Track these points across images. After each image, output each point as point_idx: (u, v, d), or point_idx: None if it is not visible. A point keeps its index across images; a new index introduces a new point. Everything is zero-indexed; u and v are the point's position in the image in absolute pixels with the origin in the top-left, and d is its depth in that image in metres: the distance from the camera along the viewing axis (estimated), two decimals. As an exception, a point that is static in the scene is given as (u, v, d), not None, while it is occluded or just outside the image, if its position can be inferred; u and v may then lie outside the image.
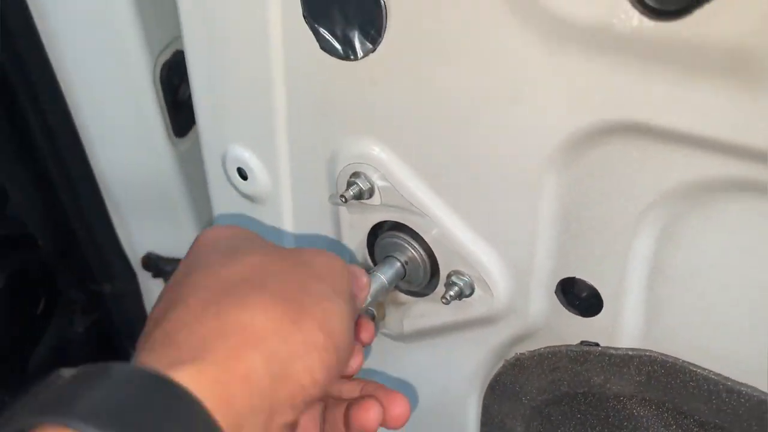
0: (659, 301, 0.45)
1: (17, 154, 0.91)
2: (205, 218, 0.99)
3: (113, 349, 1.10)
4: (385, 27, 0.44)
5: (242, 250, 0.40)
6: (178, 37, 0.85)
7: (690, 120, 0.36)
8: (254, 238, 0.44)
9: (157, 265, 1.02)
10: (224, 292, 0.36)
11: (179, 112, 0.89)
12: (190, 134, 0.92)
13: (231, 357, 0.33)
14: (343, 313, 0.39)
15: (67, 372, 0.30)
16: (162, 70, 0.84)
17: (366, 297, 0.48)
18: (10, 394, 1.24)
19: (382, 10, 0.44)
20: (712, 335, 0.44)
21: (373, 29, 0.45)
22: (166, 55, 0.84)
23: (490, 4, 0.38)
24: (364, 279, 0.47)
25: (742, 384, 0.44)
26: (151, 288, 1.04)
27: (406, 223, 0.52)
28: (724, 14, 0.30)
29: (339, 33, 0.47)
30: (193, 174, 0.94)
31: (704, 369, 0.45)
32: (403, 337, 0.60)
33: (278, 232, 0.62)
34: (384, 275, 0.52)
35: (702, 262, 0.42)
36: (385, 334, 0.61)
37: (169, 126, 0.88)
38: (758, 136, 0.34)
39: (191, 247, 0.43)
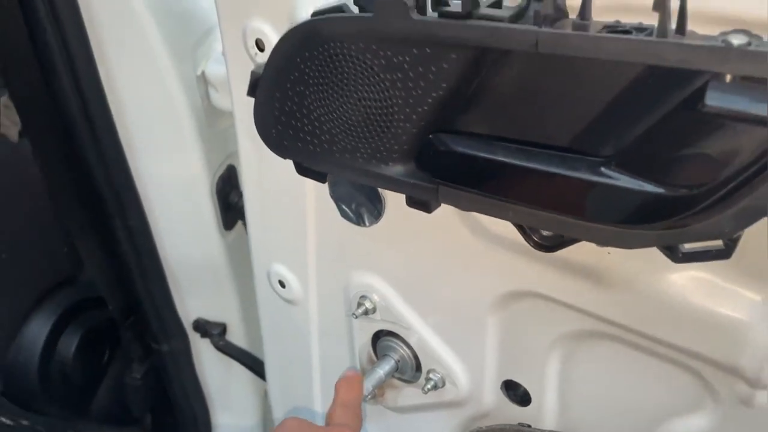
0: (568, 399, 0.66)
1: (99, 241, 1.15)
2: (245, 292, 1.21)
3: (166, 395, 1.33)
4: (384, 210, 0.67)
5: None
6: (230, 155, 1.09)
7: (566, 295, 0.57)
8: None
9: (205, 328, 1.24)
10: None
11: (228, 211, 1.12)
12: (236, 228, 1.15)
13: None
14: None
15: None
16: (218, 182, 1.07)
17: (360, 389, 0.70)
18: (72, 426, 1.47)
19: (382, 203, 0.66)
20: (600, 424, 0.65)
21: (377, 210, 0.67)
22: (221, 171, 1.07)
23: (450, 220, 0.60)
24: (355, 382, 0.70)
25: (621, 460, 0.65)
26: (199, 346, 1.27)
27: (398, 332, 0.74)
28: (576, 252, 0.52)
29: (354, 208, 0.69)
30: (236, 257, 1.17)
31: (598, 448, 0.66)
32: (397, 410, 0.82)
33: (308, 328, 0.84)
34: (382, 370, 0.74)
35: (589, 377, 0.63)
36: (385, 407, 0.83)
37: (220, 222, 1.11)
38: (602, 309, 0.56)
39: None
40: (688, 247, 0.44)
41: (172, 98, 0.97)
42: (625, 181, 0.40)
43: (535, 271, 0.58)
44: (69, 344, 1.28)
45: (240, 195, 1.08)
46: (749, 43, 0.34)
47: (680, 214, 0.39)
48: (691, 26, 0.37)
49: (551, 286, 0.58)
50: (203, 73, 0.98)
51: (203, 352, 1.27)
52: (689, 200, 0.38)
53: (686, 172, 0.38)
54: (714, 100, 0.35)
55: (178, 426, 1.41)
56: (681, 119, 0.36)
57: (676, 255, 0.44)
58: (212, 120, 1.02)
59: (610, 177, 0.40)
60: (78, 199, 1.11)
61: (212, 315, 1.24)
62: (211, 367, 1.30)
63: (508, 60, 0.42)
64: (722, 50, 0.34)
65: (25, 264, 1.30)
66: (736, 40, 0.34)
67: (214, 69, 0.98)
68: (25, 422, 1.38)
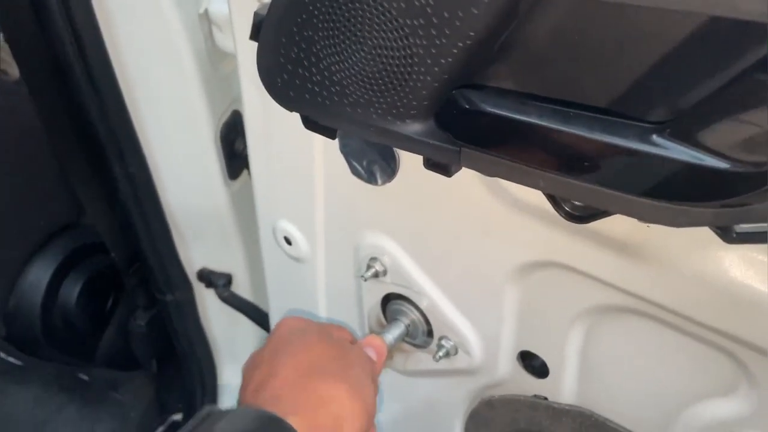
0: (588, 373, 0.63)
1: (100, 187, 1.10)
2: (250, 242, 1.17)
3: (169, 343, 1.31)
4: (398, 168, 0.61)
5: (309, 340, 0.61)
6: (235, 100, 1.03)
7: (596, 268, 0.53)
8: (316, 329, 0.64)
9: (210, 278, 1.21)
10: (304, 373, 0.57)
11: (233, 160, 1.07)
12: (241, 177, 1.10)
13: (313, 413, 0.54)
14: (373, 393, 0.60)
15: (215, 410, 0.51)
16: (222, 129, 1.01)
17: (384, 360, 0.67)
18: (84, 372, 1.47)
19: (396, 160, 0.61)
20: (622, 401, 0.62)
21: (390, 168, 0.62)
22: (225, 117, 1.02)
23: (470, 182, 0.55)
24: (383, 350, 0.66)
25: (642, 438, 0.61)
26: (204, 296, 1.24)
27: (409, 296, 0.70)
28: (610, 224, 0.47)
29: (366, 165, 0.64)
30: (241, 207, 1.12)
31: (617, 424, 0.63)
32: (406, 373, 0.79)
33: (314, 287, 0.81)
34: (391, 334, 0.71)
35: (613, 353, 0.59)
36: (393, 369, 0.80)
37: (225, 171, 1.07)
38: (635, 285, 0.51)
39: (273, 333, 0.63)
40: (742, 226, 0.39)
41: (172, 38, 0.91)
42: (681, 152, 0.34)
43: (562, 241, 0.53)
44: (72, 290, 1.25)
45: (246, 143, 1.03)
46: None
47: (744, 192, 0.33)
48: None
49: (579, 257, 0.53)
50: (206, 11, 0.91)
51: (208, 302, 1.24)
52: (756, 177, 0.33)
53: (756, 145, 0.32)
54: (800, 61, 0.29)
55: (183, 374, 1.40)
56: (755, 83, 0.31)
57: (729, 235, 0.39)
58: (216, 62, 0.96)
59: (663, 147, 0.35)
60: (76, 144, 1.06)
61: (217, 265, 1.21)
62: (216, 317, 1.27)
63: (547, 1, 0.36)
64: (816, 0, 0.28)
65: (26, 208, 1.26)
66: (835, -11, 0.28)
67: (218, 7, 0.91)
68: (32, 365, 1.38)
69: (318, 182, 0.70)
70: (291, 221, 0.77)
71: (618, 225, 0.48)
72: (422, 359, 0.74)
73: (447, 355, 0.69)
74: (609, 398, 0.63)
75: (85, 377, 1.52)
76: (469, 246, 0.61)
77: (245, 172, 1.11)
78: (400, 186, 0.63)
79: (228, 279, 1.21)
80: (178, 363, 1.40)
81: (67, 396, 1.47)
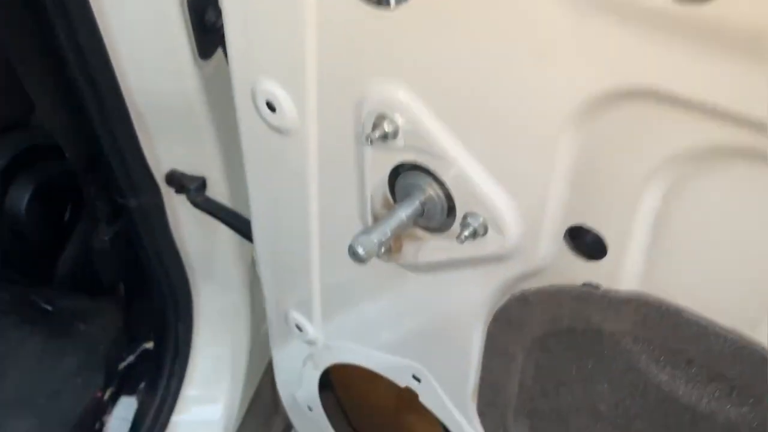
0: (660, 250, 0.49)
1: (46, 68, 0.94)
2: (227, 138, 1.02)
3: (135, 257, 1.16)
4: (420, -22, 0.46)
5: None
6: (205, -42, 0.85)
7: (702, 89, 0.38)
8: None
9: (180, 181, 1.06)
10: None
11: (205, 35, 0.90)
12: (215, 58, 0.93)
13: None
14: None
15: None
16: (189, -8, 0.84)
17: None
18: (40, 295, 1.32)
19: (417, -38, 0.45)
20: (705, 284, 0.48)
21: (408, -21, 0.47)
22: (194, -23, 0.84)
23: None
24: None
25: (728, 330, 0.48)
26: (174, 203, 1.08)
27: (428, 165, 0.56)
28: (735, 9, 0.32)
29: (374, -20, 0.48)
30: (216, 96, 0.96)
31: (696, 314, 0.49)
32: (417, 269, 0.65)
33: (304, 165, 0.66)
34: (404, 212, 0.56)
35: (704, 220, 0.45)
36: (402, 265, 0.66)
37: (195, 48, 0.90)
38: (762, 109, 0.37)
39: None
40: None
41: None
42: None
43: (659, 49, 0.38)
44: (20, 195, 1.10)
45: (219, 13, 0.86)
46: None
47: None
48: None
49: (683, 73, 0.38)
50: None
51: (180, 210, 1.09)
52: None
53: None
54: None
55: (154, 297, 1.26)
56: None
57: None
58: None
59: None
60: (15, 12, 0.89)
61: (189, 167, 1.05)
62: (189, 227, 1.12)
63: None
64: None
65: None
66: None
67: None
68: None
69: (309, 19, 0.54)
70: (274, 78, 0.61)
71: (748, 9, 0.34)
72: (439, 247, 0.60)
73: (474, 235, 0.55)
74: (685, 282, 0.49)
75: (49, 307, 1.39)
76: (516, 81, 0.46)
77: (220, 51, 0.95)
78: (421, 8, 0.47)
79: (201, 182, 1.05)
80: (149, 285, 1.26)
81: (29, 328, 1.35)
